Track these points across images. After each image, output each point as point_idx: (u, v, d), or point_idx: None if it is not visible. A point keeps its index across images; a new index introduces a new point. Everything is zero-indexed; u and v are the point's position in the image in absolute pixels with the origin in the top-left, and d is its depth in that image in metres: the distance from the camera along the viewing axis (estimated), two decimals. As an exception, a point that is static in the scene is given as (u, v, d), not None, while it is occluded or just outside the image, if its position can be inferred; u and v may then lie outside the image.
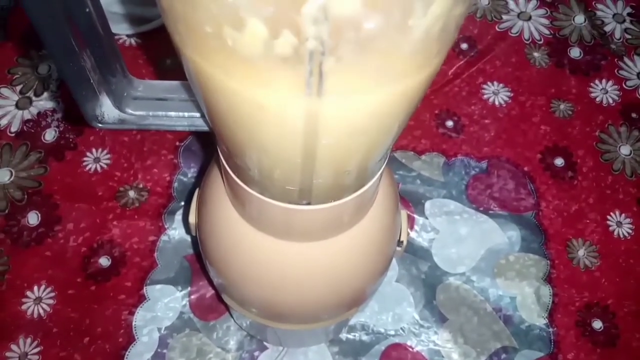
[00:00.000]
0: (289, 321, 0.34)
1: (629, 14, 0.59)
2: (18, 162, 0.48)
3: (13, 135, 0.49)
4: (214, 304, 0.44)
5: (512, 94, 0.54)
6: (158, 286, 0.44)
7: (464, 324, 0.44)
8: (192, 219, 0.34)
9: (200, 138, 0.50)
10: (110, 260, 0.44)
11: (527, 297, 0.45)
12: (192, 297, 0.44)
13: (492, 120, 0.53)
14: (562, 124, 0.53)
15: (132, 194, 0.47)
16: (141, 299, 0.43)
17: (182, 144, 0.50)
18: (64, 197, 0.47)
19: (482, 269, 0.46)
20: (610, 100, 0.54)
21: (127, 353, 0.41)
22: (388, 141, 0.23)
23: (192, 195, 0.45)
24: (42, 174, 0.48)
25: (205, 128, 0.25)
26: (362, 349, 0.43)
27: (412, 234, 0.47)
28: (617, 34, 0.58)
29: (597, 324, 0.44)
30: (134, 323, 0.42)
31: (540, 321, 0.44)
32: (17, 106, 0.51)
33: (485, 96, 0.54)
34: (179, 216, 0.47)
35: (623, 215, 0.49)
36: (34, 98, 0.51)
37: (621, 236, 0.48)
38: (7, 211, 0.46)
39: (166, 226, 0.46)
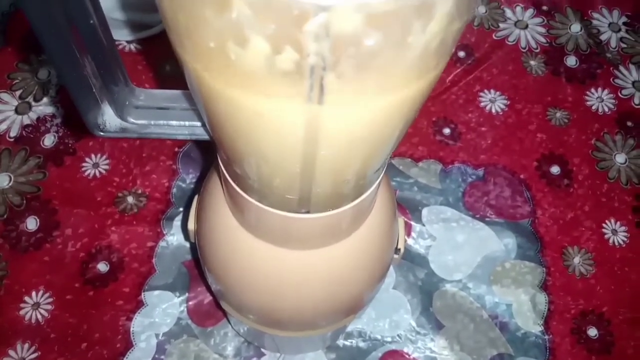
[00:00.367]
0: (286, 328, 0.34)
1: (624, 23, 0.60)
2: (17, 167, 0.48)
3: (12, 140, 0.49)
4: (211, 310, 0.44)
5: (508, 102, 0.55)
6: (156, 292, 0.44)
7: (461, 331, 0.44)
8: (191, 225, 0.34)
9: (199, 144, 0.50)
10: (108, 265, 0.45)
11: (523, 305, 0.45)
12: (190, 303, 0.44)
13: (488, 128, 0.53)
14: (558, 132, 0.53)
15: (130, 199, 0.47)
16: (139, 304, 0.43)
17: (181, 150, 0.50)
18: (62, 202, 0.47)
19: (479, 276, 0.46)
20: (606, 109, 0.55)
21: (124, 359, 0.41)
22: (387, 150, 0.23)
23: (190, 201, 0.46)
24: (41, 179, 0.48)
25: (206, 137, 0.25)
26: (359, 355, 0.43)
27: (409, 241, 0.47)
28: (613, 43, 0.59)
29: (593, 332, 0.45)
30: (131, 329, 0.42)
31: (536, 328, 0.44)
32: (17, 111, 0.51)
33: (482, 104, 0.54)
34: (177, 222, 0.47)
35: (618, 223, 0.49)
36: (33, 103, 0.51)
37: (616, 244, 0.48)
38: (5, 216, 0.46)
39: (164, 232, 0.46)
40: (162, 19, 0.17)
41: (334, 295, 0.31)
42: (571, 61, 0.57)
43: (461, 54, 0.57)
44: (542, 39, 0.58)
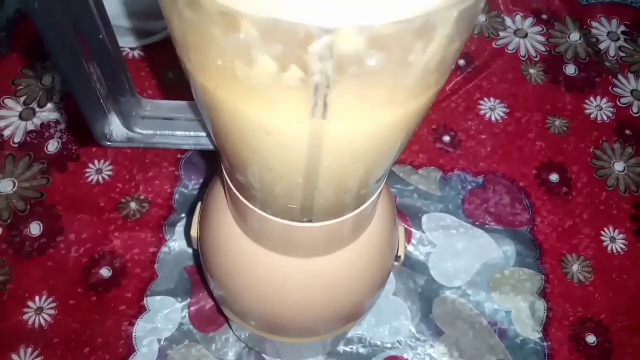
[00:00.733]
0: (287, 334, 0.35)
1: (623, 33, 0.60)
2: (21, 172, 0.49)
3: (16, 146, 0.50)
4: (213, 316, 0.44)
5: (508, 110, 0.55)
6: (158, 297, 0.44)
7: (460, 337, 0.44)
8: (194, 232, 0.35)
9: (201, 152, 0.50)
10: (111, 271, 0.45)
11: (522, 312, 0.46)
12: (192, 308, 0.44)
13: (488, 136, 0.54)
14: (558, 140, 0.54)
15: (133, 205, 0.48)
16: (141, 310, 0.44)
17: (184, 156, 0.50)
18: (66, 208, 0.47)
19: (478, 283, 0.46)
20: (605, 117, 0.55)
21: (127, 364, 0.42)
22: (389, 161, 0.23)
23: (193, 207, 0.46)
24: (45, 185, 0.48)
25: (211, 147, 0.26)
26: (360, 361, 0.43)
27: (410, 248, 0.48)
28: (612, 52, 0.59)
29: (591, 339, 0.45)
30: (134, 334, 0.43)
31: (535, 335, 0.45)
32: (21, 117, 0.51)
33: (482, 112, 0.55)
34: (179, 228, 0.47)
35: (617, 231, 0.50)
36: (37, 109, 0.52)
37: (615, 252, 0.49)
38: (9, 221, 0.46)
39: (167, 238, 0.47)
40: (171, 36, 0.18)
41: (335, 303, 0.32)
42: (570, 70, 0.58)
43: (461, 62, 0.57)
44: (542, 48, 0.59)
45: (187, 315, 0.44)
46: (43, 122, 0.51)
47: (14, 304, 0.43)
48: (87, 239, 0.46)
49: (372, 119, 0.18)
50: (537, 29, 0.60)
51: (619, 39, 0.60)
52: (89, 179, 0.49)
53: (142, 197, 0.48)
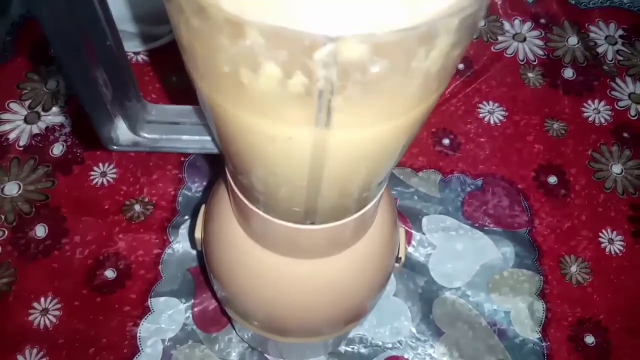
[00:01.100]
0: (290, 335, 0.35)
1: (620, 36, 0.61)
2: (26, 175, 0.49)
3: (21, 149, 0.50)
4: (216, 317, 0.45)
5: (507, 113, 0.56)
6: (162, 298, 0.45)
7: (460, 337, 0.45)
8: (198, 234, 0.35)
9: (204, 155, 0.51)
10: (115, 272, 0.46)
11: (520, 312, 0.46)
12: (195, 309, 0.45)
13: (487, 139, 0.54)
14: (556, 143, 0.54)
15: (137, 207, 0.48)
16: (145, 310, 0.44)
17: (187, 159, 0.51)
18: (71, 210, 0.48)
19: (477, 284, 0.47)
20: (603, 120, 0.56)
21: (131, 364, 0.42)
22: (391, 164, 0.24)
23: (196, 209, 0.47)
24: (50, 188, 0.49)
25: (216, 150, 0.27)
26: (361, 361, 0.44)
27: (410, 249, 0.48)
28: (610, 56, 0.60)
29: (590, 339, 0.46)
30: (138, 334, 0.43)
31: (534, 336, 0.45)
32: (26, 121, 0.52)
33: (480, 115, 0.55)
34: (183, 230, 0.48)
35: (614, 232, 0.50)
36: (42, 113, 0.53)
37: (613, 253, 0.49)
38: (15, 224, 0.47)
39: (170, 239, 0.47)
40: (178, 43, 0.18)
41: (337, 303, 0.32)
42: (568, 73, 0.58)
43: (460, 66, 0.58)
44: (540, 52, 0.60)
45: (191, 315, 0.45)
46: (48, 125, 0.52)
47: (19, 305, 0.44)
48: (92, 240, 0.47)
49: (374, 124, 0.18)
50: (535, 32, 0.61)
51: (616, 42, 0.61)
52: (94, 182, 0.49)
53: (146, 200, 0.49)
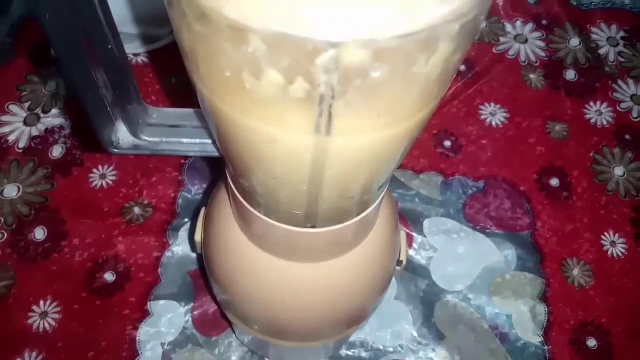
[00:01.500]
0: (291, 338, 0.35)
1: (622, 38, 0.61)
2: (25, 177, 0.49)
3: (21, 151, 0.50)
4: (216, 320, 0.44)
5: (508, 115, 0.55)
6: (162, 302, 0.45)
7: (461, 341, 0.45)
8: (198, 237, 0.35)
9: (205, 158, 0.51)
10: (115, 275, 0.45)
11: (522, 315, 0.46)
12: (195, 313, 0.45)
13: (489, 141, 0.54)
14: (558, 145, 0.54)
15: (137, 210, 0.48)
16: (145, 314, 0.44)
17: (187, 162, 0.51)
18: (70, 212, 0.48)
19: (479, 287, 0.47)
20: (605, 122, 0.56)
21: (131, 368, 0.42)
22: (392, 168, 0.24)
23: (196, 212, 0.47)
24: (49, 190, 0.49)
25: (216, 154, 0.26)
26: (362, 365, 0.43)
27: (411, 252, 0.48)
28: (611, 57, 0.60)
29: (592, 342, 0.45)
30: (138, 338, 0.43)
31: (536, 339, 0.45)
32: (26, 123, 0.52)
33: (482, 117, 0.55)
34: (182, 232, 0.48)
35: (617, 235, 0.50)
36: (42, 115, 0.52)
37: (615, 256, 0.49)
38: (14, 226, 0.47)
39: (170, 242, 0.47)
40: (180, 47, 0.18)
41: (338, 307, 0.32)
42: (570, 75, 0.58)
43: (462, 67, 0.58)
44: (542, 53, 0.59)
45: (191, 319, 0.44)
46: (47, 127, 0.52)
47: (19, 308, 0.44)
48: (91, 243, 0.46)
49: (375, 129, 0.18)
50: (537, 34, 0.61)
51: (618, 44, 0.60)
52: (93, 184, 0.49)
53: (146, 202, 0.49)
